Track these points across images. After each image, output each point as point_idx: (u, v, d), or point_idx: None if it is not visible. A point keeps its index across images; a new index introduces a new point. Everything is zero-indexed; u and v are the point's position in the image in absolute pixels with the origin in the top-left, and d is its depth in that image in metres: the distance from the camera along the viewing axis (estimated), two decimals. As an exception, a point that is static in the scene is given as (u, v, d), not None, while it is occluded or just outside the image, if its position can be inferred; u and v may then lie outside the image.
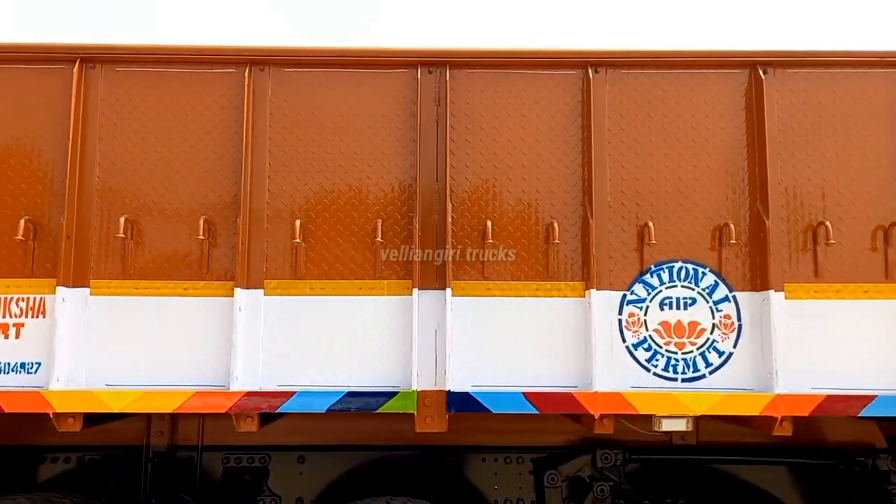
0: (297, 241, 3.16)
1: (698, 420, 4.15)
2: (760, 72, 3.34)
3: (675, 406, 3.13)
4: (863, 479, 4.03)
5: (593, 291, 3.18)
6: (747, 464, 4.12)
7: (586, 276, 3.21)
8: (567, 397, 3.12)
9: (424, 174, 3.27)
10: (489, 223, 3.21)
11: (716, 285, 3.25)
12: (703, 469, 4.12)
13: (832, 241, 3.18)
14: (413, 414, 3.10)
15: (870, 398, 3.13)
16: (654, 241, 3.20)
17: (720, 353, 3.21)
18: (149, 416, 3.98)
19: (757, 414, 3.13)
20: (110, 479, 3.97)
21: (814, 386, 3.19)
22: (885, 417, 3.31)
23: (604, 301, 3.21)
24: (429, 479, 4.12)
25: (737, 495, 4.09)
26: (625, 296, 3.24)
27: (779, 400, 3.11)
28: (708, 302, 3.24)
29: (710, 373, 3.21)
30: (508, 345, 3.21)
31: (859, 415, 3.13)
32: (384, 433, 4.09)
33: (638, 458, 4.08)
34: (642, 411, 3.14)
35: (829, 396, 3.14)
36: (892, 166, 3.30)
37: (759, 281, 3.22)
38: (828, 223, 3.20)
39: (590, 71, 3.34)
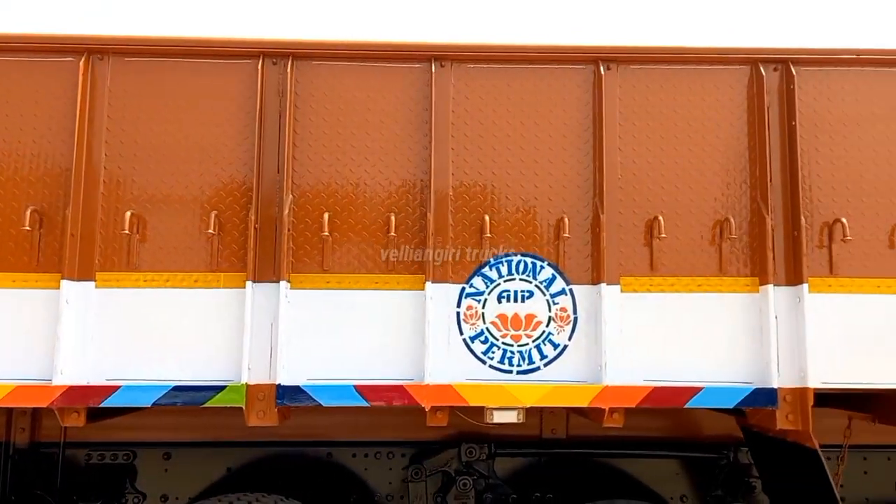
0: (126, 231, 3.12)
1: (568, 414, 4.22)
2: (602, 68, 3.37)
3: (505, 398, 3.15)
4: (727, 472, 4.10)
5: (430, 284, 3.18)
6: (619, 457, 4.16)
7: (424, 269, 3.20)
8: (398, 389, 3.12)
9: (266, 169, 3.25)
10: (326, 215, 3.20)
11: (553, 278, 3.27)
12: (588, 463, 4.16)
13: (663, 235, 3.21)
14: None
15: (696, 390, 3.17)
16: (489, 234, 3.20)
17: (555, 346, 3.24)
18: (9, 411, 3.92)
19: (585, 405, 3.15)
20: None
21: (646, 378, 3.22)
22: (739, 409, 3.34)
23: (442, 294, 3.22)
24: (302, 476, 4.11)
25: (615, 488, 4.12)
26: (463, 289, 3.26)
27: (607, 391, 3.15)
28: (545, 295, 3.26)
29: (545, 365, 3.23)
30: (347, 338, 3.21)
31: (686, 406, 3.16)
32: (259, 430, 4.07)
33: (504, 452, 4.11)
34: (473, 403, 3.16)
35: (656, 388, 3.18)
36: (726, 162, 3.34)
37: (595, 274, 3.24)
38: (661, 217, 3.24)
39: (433, 65, 3.34)
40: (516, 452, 4.11)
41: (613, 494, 3.97)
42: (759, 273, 3.25)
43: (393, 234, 3.19)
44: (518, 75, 3.36)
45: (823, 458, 3.21)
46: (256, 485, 4.06)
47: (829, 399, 3.47)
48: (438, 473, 4.04)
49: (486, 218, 3.22)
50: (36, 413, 3.96)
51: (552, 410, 4.16)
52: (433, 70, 3.33)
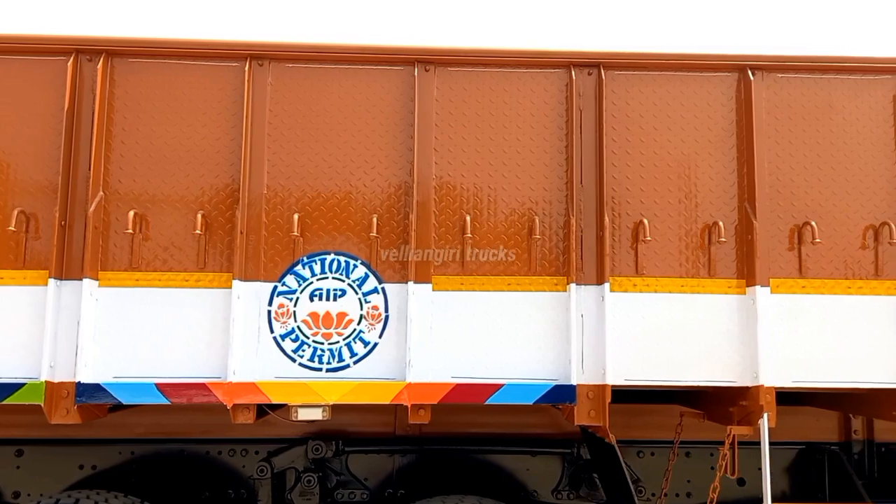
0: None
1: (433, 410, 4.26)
2: (418, 68, 3.40)
3: (309, 395, 3.18)
4: (572, 467, 4.15)
5: (237, 282, 3.21)
6: (479, 452, 4.21)
7: (237, 269, 3.22)
8: (200, 387, 3.15)
9: (76, 168, 3.27)
10: (131, 213, 3.21)
11: (366, 277, 3.30)
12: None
13: (468, 235, 3.26)
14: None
15: (498, 386, 3.22)
16: (295, 233, 3.23)
17: (366, 344, 3.27)
18: None
19: (388, 402, 3.19)
20: None
21: (454, 375, 3.26)
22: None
23: (252, 292, 3.24)
24: (156, 473, 4.13)
25: (482, 483, 4.15)
26: (276, 287, 3.28)
27: (409, 388, 3.18)
28: (357, 293, 3.29)
29: (355, 362, 3.26)
30: (158, 336, 3.22)
31: (487, 402, 3.20)
32: (115, 428, 4.10)
33: (352, 449, 4.14)
34: (276, 400, 3.18)
35: (458, 385, 3.22)
36: (538, 163, 3.38)
37: (406, 273, 3.27)
38: (468, 217, 3.27)
39: (252, 64, 3.37)
40: (365, 449, 4.15)
41: (478, 488, 4.01)
42: (566, 272, 3.29)
43: (198, 231, 3.21)
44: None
45: (619, 453, 3.26)
46: (110, 482, 4.09)
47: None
48: (291, 470, 4.07)
49: (296, 217, 3.24)
50: None
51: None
52: (247, 71, 3.35)
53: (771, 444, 4.25)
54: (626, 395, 3.55)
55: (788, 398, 4.08)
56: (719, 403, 3.52)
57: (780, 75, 3.44)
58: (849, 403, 3.81)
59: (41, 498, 3.58)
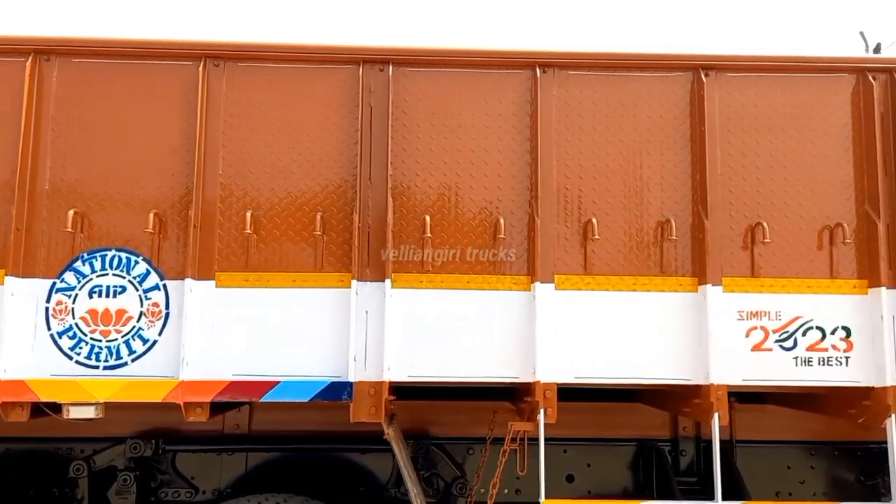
0: None
1: (252, 409, 4.22)
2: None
3: (79, 393, 3.15)
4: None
5: (11, 279, 3.16)
6: (308, 451, 4.19)
7: (11, 263, 3.18)
8: (-34, 385, 3.09)
9: None
10: None
11: (147, 273, 3.27)
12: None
13: (249, 232, 3.22)
14: None
15: (274, 383, 3.20)
16: (69, 229, 3.19)
17: (144, 341, 3.24)
18: None
19: (160, 400, 3.15)
20: None
21: (234, 372, 3.23)
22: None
23: (29, 289, 3.20)
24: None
25: (315, 479, 4.12)
26: (54, 283, 3.24)
27: (183, 386, 3.16)
28: (138, 290, 3.26)
29: (133, 360, 3.23)
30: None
31: (263, 399, 3.17)
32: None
33: (173, 448, 4.10)
34: (44, 399, 3.15)
35: (234, 382, 3.20)
36: (318, 162, 3.35)
37: (186, 267, 3.23)
38: (249, 213, 3.24)
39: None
40: (184, 448, 4.11)
41: (308, 487, 3.97)
42: (347, 267, 3.27)
43: (-31, 228, 3.16)
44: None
45: (397, 448, 3.25)
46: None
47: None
48: (111, 468, 4.03)
49: (71, 213, 3.20)
50: None
51: (248, 406, 4.18)
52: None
53: (608, 440, 4.35)
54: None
55: (620, 395, 4.09)
56: (516, 400, 3.51)
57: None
58: (661, 401, 3.81)
59: None
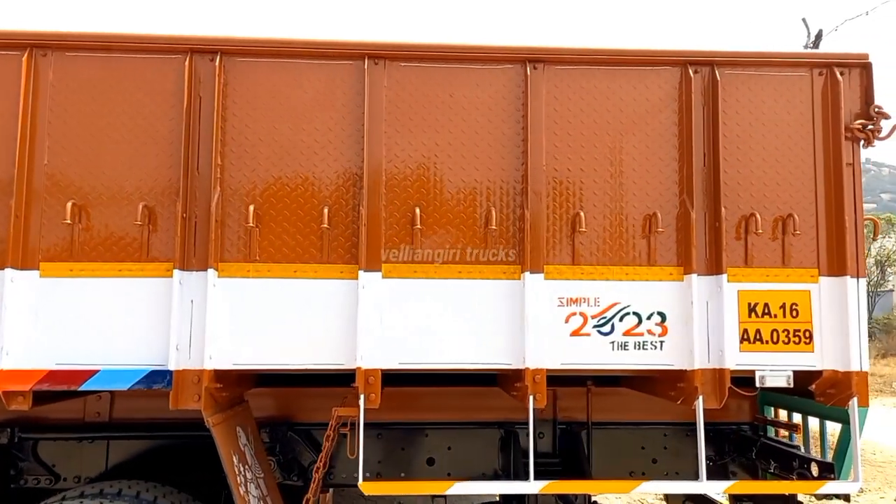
0: None
1: (113, 398, 4.26)
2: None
3: None
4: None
5: None
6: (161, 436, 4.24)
7: None
8: None
9: None
10: None
11: (-31, 263, 3.27)
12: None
13: (67, 221, 3.24)
14: None
15: (93, 372, 3.26)
16: None
17: (-34, 330, 3.24)
18: None
19: (-21, 389, 3.17)
20: None
21: (58, 361, 3.26)
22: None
23: None
24: None
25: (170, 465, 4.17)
26: None
27: (1, 375, 3.17)
28: (-40, 280, 3.26)
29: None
30: None
31: (81, 387, 3.22)
32: None
33: (35, 436, 4.13)
34: None
35: (54, 371, 3.26)
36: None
37: (8, 257, 3.25)
38: (68, 205, 3.26)
39: None
40: (43, 436, 4.14)
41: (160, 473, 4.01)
42: (172, 257, 3.31)
43: None
44: None
45: (215, 437, 3.31)
46: None
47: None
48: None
49: None
50: None
51: (98, 396, 4.21)
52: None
53: (470, 423, 4.45)
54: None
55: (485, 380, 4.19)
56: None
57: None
58: (503, 385, 3.91)
59: None
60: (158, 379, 3.26)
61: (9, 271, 3.24)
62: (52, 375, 3.24)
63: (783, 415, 4.58)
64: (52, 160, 3.35)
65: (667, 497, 5.36)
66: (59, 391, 3.34)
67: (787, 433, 4.38)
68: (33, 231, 3.30)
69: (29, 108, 3.33)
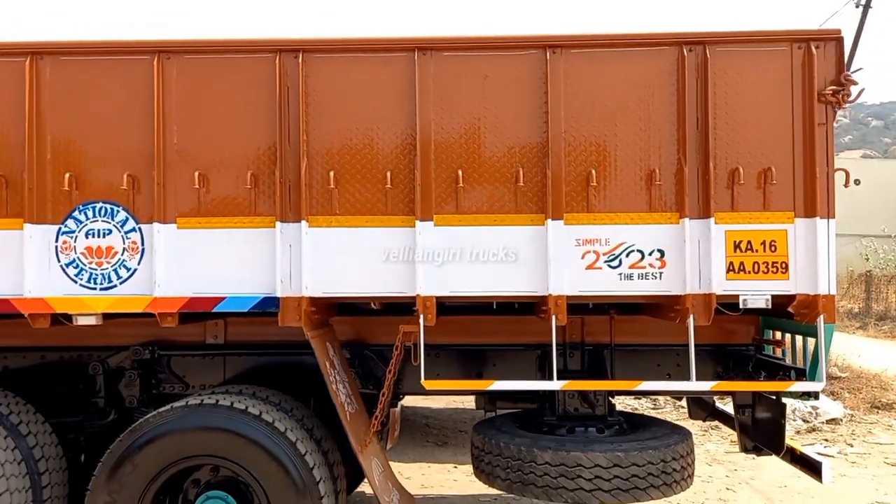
0: None
1: (226, 324, 5.43)
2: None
3: (82, 306, 4.39)
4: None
5: (28, 225, 4.36)
6: (266, 355, 5.39)
7: (27, 214, 4.36)
8: (5, 302, 4.35)
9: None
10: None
11: (126, 219, 4.43)
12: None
13: (196, 187, 4.32)
14: None
15: (221, 299, 4.37)
16: (66, 188, 4.33)
17: (128, 269, 4.42)
18: None
19: (140, 310, 4.37)
20: None
21: (195, 291, 4.40)
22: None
23: (41, 232, 4.39)
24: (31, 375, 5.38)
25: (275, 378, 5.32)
26: (60, 228, 4.42)
27: (156, 301, 4.35)
28: (120, 232, 4.43)
29: (121, 283, 4.43)
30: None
31: (214, 310, 4.35)
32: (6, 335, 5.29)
33: (169, 353, 5.35)
34: (59, 310, 4.39)
35: (192, 298, 4.38)
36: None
37: (153, 216, 4.37)
38: (198, 173, 4.33)
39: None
40: (174, 353, 5.36)
41: (269, 383, 5.15)
42: (274, 212, 4.35)
43: (-4, 189, 4.35)
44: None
45: (318, 352, 4.39)
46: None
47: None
48: (120, 368, 5.31)
49: (67, 176, 4.34)
50: None
51: (223, 321, 5.37)
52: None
53: (514, 345, 5.40)
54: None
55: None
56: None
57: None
58: (535, 311, 4.83)
59: None
60: (269, 304, 4.36)
61: (155, 225, 4.37)
62: (192, 301, 4.39)
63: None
64: (181, 140, 4.42)
65: (690, 412, 6.23)
66: (196, 312, 4.49)
67: (780, 351, 5.17)
68: (170, 194, 4.40)
69: (161, 102, 4.39)
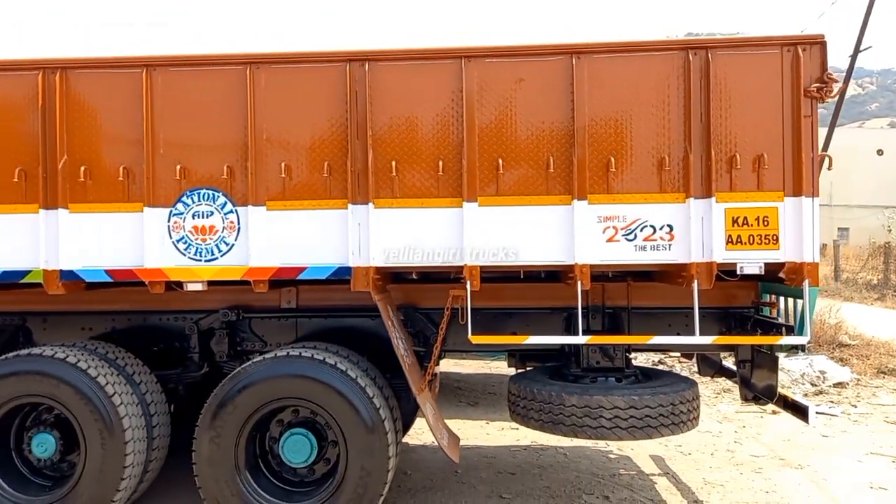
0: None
1: (298, 291, 6.38)
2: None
3: (191, 275, 5.38)
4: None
5: (147, 208, 5.34)
6: (331, 317, 6.35)
7: (146, 199, 5.34)
8: (129, 272, 5.36)
9: None
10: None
11: (225, 203, 5.39)
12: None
13: (284, 177, 5.25)
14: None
15: (304, 268, 5.31)
16: (177, 178, 5.30)
17: (227, 244, 5.39)
18: None
19: (238, 278, 5.34)
20: None
21: (283, 262, 5.35)
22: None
23: (157, 214, 5.38)
24: (133, 335, 6.42)
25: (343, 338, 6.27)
26: (171, 210, 5.40)
27: (251, 270, 5.32)
28: (220, 213, 5.39)
29: (222, 256, 5.40)
30: (110, 239, 5.40)
31: (298, 277, 5.31)
32: (109, 303, 6.35)
33: (251, 315, 6.33)
34: (172, 278, 5.38)
35: (280, 268, 5.34)
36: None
37: (247, 199, 5.32)
38: (284, 164, 5.26)
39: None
40: (255, 315, 6.34)
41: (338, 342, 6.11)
42: (346, 195, 5.28)
43: (120, 178, 5.33)
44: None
45: (382, 311, 5.32)
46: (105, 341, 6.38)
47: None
48: (211, 329, 6.31)
49: (179, 167, 5.31)
50: None
51: (296, 288, 6.32)
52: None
53: (542, 308, 6.28)
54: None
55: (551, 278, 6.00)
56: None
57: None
58: (562, 278, 5.70)
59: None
60: (342, 272, 5.31)
61: (249, 207, 5.33)
62: (280, 270, 5.35)
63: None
64: (269, 136, 5.36)
65: (700, 369, 7.07)
66: (283, 280, 5.45)
67: (775, 312, 5.98)
68: (261, 182, 5.35)
69: (252, 104, 5.32)
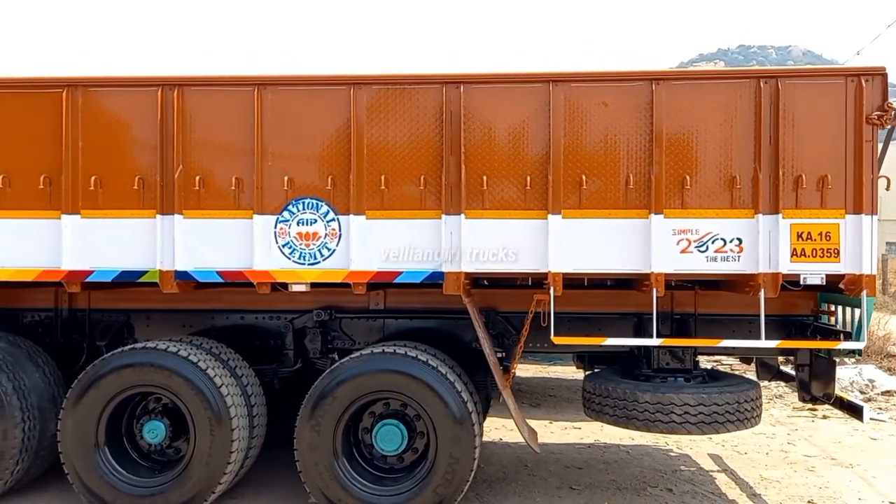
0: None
1: (385, 294, 7.06)
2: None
3: (295, 277, 6.11)
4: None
5: (256, 215, 6.06)
6: (415, 318, 7.03)
7: (255, 206, 6.06)
8: (239, 273, 6.08)
9: (170, 152, 6.14)
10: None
11: (328, 211, 6.10)
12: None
13: (383, 187, 5.94)
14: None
15: (400, 272, 5.99)
16: (286, 188, 6.01)
17: (329, 250, 6.10)
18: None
19: (339, 280, 6.03)
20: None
21: (380, 267, 6.04)
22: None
23: (265, 221, 6.09)
24: (231, 332, 7.14)
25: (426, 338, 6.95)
26: (278, 217, 6.11)
27: (351, 273, 6.04)
28: (323, 221, 6.11)
29: (324, 260, 6.11)
30: (221, 243, 6.12)
31: (395, 280, 5.99)
32: (210, 302, 7.06)
33: (342, 315, 7.02)
34: (278, 280, 6.10)
35: (379, 271, 6.04)
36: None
37: (349, 208, 6.01)
38: (384, 176, 5.94)
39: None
40: (346, 315, 7.03)
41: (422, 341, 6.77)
42: (440, 206, 5.94)
43: (234, 188, 6.04)
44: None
45: (470, 311, 5.98)
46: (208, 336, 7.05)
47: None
48: (304, 327, 7.01)
49: (286, 178, 6.02)
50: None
51: (384, 291, 6.99)
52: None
53: (615, 313, 6.91)
54: None
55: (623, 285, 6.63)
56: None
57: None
58: (637, 286, 6.33)
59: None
60: (436, 276, 5.99)
61: (351, 216, 6.02)
62: (378, 274, 6.05)
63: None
64: (370, 155, 6.04)
65: (758, 373, 7.66)
66: (380, 283, 6.13)
67: (833, 320, 6.56)
68: (362, 192, 6.04)
69: (354, 121, 6.01)
